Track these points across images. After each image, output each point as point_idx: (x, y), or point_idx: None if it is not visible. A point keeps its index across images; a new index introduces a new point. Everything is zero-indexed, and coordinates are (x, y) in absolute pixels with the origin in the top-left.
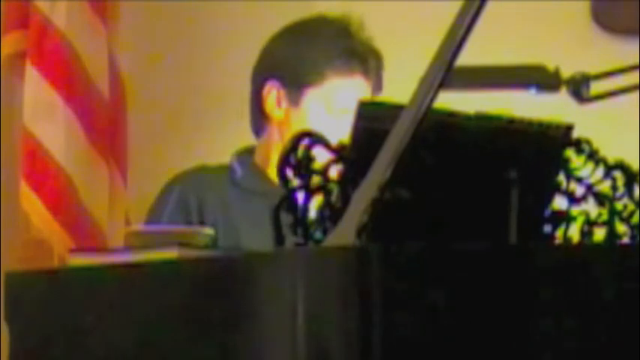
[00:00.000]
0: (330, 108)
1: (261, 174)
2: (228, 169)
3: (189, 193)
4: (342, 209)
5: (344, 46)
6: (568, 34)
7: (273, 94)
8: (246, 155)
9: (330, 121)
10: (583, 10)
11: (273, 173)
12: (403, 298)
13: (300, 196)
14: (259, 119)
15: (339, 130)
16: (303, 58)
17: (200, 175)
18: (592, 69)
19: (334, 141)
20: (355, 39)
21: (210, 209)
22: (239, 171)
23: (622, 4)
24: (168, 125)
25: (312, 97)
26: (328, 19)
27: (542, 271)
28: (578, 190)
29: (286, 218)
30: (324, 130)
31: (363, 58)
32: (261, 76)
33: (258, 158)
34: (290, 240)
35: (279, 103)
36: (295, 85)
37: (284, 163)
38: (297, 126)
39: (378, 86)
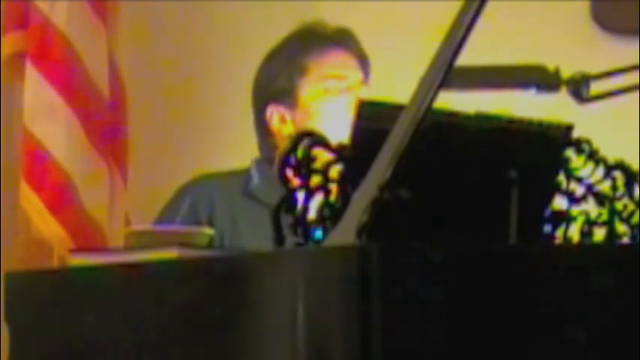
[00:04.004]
0: (327, 88)
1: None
2: (243, 175)
3: (200, 204)
4: (342, 209)
5: (305, 36)
6: (568, 34)
7: (275, 115)
8: (266, 165)
9: (332, 101)
10: (583, 10)
11: None
12: (403, 298)
13: (301, 196)
14: (268, 142)
15: (346, 105)
16: (279, 69)
17: (211, 182)
18: (592, 69)
19: (345, 116)
20: (308, 27)
21: (218, 220)
22: (256, 179)
23: (622, 4)
24: (169, 125)
25: (306, 89)
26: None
27: (542, 272)
28: (578, 190)
29: (287, 219)
30: (332, 111)
31: (328, 34)
32: (257, 105)
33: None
34: (290, 240)
35: (282, 120)
36: (285, 92)
37: (284, 163)
38: (304, 122)
39: (361, 55)
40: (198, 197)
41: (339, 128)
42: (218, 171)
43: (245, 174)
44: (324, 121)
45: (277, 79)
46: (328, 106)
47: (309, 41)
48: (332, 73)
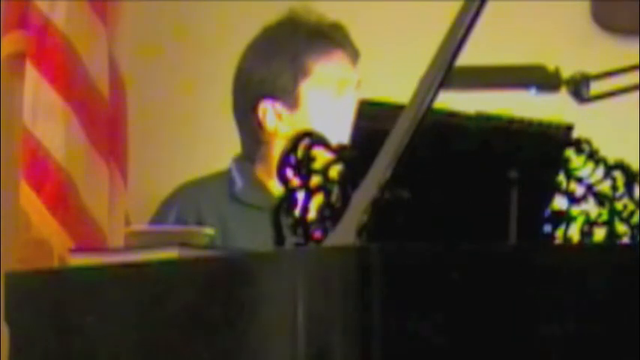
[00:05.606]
0: (327, 91)
1: (263, 187)
2: (226, 178)
3: (187, 212)
4: (342, 209)
5: (307, 35)
6: (568, 34)
7: (270, 111)
8: (246, 164)
9: (333, 103)
10: (583, 10)
11: (275, 187)
12: (403, 298)
13: (300, 196)
14: (257, 137)
15: (345, 107)
16: (282, 69)
17: (197, 190)
18: (592, 69)
19: (347, 119)
20: (310, 23)
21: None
22: (239, 182)
23: (622, 4)
24: (168, 125)
25: (307, 91)
26: (279, 23)
27: (542, 271)
28: (578, 190)
29: (287, 220)
30: (332, 113)
31: (328, 34)
32: (247, 99)
33: (260, 170)
34: (290, 240)
35: (279, 117)
36: (286, 92)
37: (284, 163)
38: (302, 123)
39: (354, 53)
40: (184, 207)
41: (338, 131)
42: (200, 177)
43: (227, 176)
44: (323, 123)
45: (279, 78)
46: (328, 109)
47: (313, 42)
48: (334, 77)
